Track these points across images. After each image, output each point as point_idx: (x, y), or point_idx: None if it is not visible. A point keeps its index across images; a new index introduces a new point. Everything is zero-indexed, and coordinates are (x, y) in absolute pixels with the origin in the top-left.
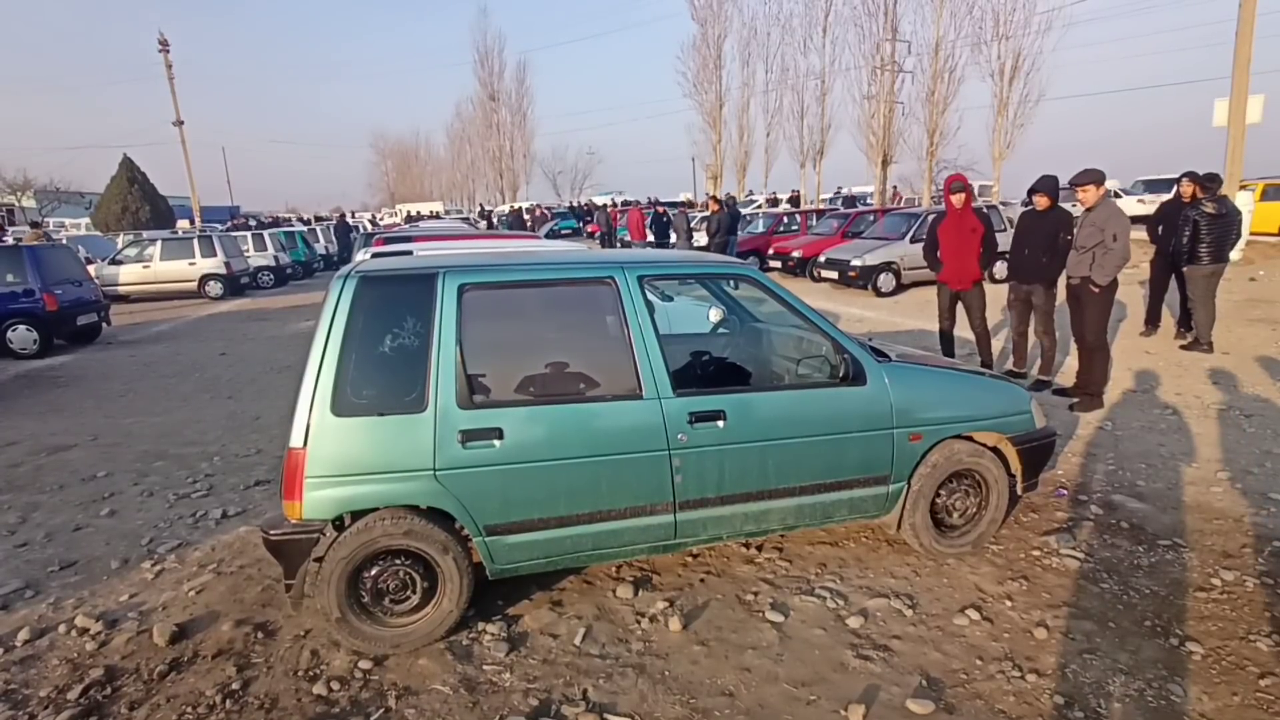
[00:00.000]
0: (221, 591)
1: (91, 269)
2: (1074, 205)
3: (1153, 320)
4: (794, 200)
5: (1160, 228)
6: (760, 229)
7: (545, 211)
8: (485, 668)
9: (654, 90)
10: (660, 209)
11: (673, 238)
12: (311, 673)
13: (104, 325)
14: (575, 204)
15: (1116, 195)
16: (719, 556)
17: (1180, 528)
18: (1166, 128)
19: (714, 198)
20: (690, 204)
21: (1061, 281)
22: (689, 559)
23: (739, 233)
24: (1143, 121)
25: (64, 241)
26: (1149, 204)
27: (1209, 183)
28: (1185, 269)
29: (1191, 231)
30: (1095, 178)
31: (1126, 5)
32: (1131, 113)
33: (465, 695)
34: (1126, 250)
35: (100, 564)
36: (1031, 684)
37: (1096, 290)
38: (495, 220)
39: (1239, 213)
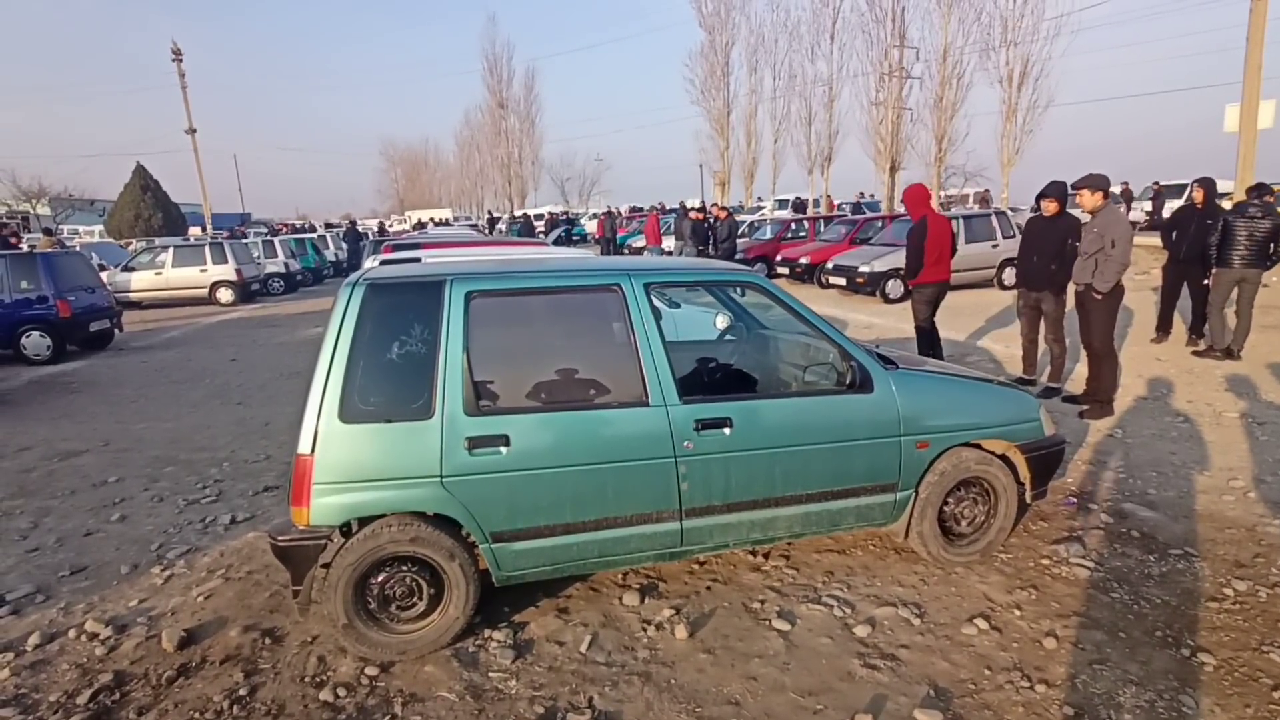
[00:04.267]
0: (230, 597)
1: (104, 276)
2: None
3: (1164, 327)
4: (797, 206)
5: (1174, 233)
6: (768, 235)
7: (555, 217)
8: (491, 675)
9: (662, 97)
10: (699, 215)
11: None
12: (318, 679)
13: (116, 331)
14: (565, 211)
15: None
16: (725, 564)
17: (1192, 537)
18: (1177, 133)
19: (720, 205)
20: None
21: (1071, 288)
22: (695, 566)
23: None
24: (1153, 127)
25: (77, 248)
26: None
27: (1263, 192)
28: (1247, 271)
29: (1269, 237)
30: (1094, 182)
31: (1136, 10)
32: (1141, 118)
33: (471, 702)
34: (1126, 256)
35: (110, 569)
36: (1041, 694)
37: (1099, 297)
38: (548, 227)
39: None
